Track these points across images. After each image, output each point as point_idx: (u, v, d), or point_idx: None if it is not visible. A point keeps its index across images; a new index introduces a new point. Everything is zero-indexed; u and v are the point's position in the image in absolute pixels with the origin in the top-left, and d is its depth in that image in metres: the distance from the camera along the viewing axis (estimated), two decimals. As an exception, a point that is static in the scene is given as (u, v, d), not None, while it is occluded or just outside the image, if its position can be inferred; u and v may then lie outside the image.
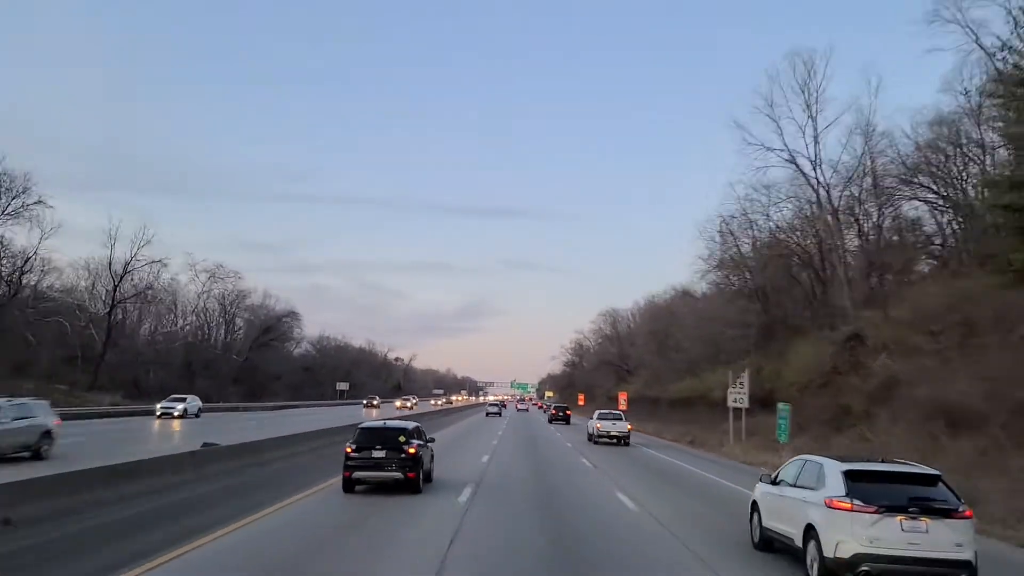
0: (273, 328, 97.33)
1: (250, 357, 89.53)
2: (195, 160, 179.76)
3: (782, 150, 41.58)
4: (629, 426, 38.27)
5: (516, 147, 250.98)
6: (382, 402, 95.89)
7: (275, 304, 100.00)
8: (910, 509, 9.14)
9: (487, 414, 79.72)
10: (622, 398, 65.47)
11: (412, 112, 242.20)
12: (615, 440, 36.96)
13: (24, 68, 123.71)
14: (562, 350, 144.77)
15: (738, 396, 34.89)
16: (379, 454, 15.83)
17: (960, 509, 9.27)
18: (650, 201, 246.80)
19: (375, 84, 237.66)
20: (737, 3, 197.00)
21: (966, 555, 9.06)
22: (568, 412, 67.89)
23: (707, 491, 20.35)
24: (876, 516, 9.09)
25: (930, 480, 9.72)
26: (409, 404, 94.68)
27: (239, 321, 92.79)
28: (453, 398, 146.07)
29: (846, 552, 9.16)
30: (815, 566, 9.64)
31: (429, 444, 18.06)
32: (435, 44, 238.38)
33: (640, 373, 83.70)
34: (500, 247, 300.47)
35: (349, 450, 15.95)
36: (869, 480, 9.67)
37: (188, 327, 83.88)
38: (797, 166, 41.65)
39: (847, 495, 9.41)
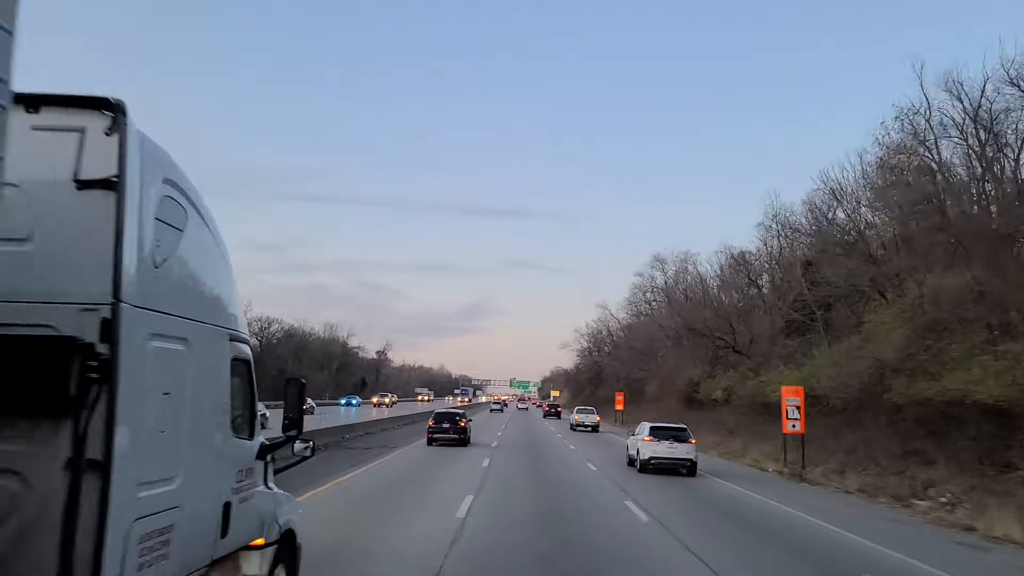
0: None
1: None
2: (195, 160, 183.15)
3: None
4: (598, 418, 52.91)
5: (517, 147, 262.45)
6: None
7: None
8: (670, 439, 23.58)
9: (491, 410, 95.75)
10: (790, 398, 26.58)
11: (413, 112, 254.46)
12: (589, 428, 51.49)
13: (22, 65, 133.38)
14: (576, 335, 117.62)
15: None
16: (446, 425, 30.33)
17: (691, 440, 23.75)
18: (653, 190, 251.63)
19: (376, 84, 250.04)
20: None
21: (692, 457, 23.45)
22: (559, 409, 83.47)
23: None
24: (656, 442, 23.51)
25: (682, 428, 24.24)
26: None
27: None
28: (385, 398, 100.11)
29: (646, 456, 23.56)
30: (637, 464, 24.08)
31: (470, 421, 32.54)
32: (436, 46, 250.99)
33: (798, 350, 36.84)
34: (501, 247, 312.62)
35: (431, 424, 30.45)
36: (659, 429, 24.15)
37: None
38: None
39: (650, 434, 23.91)
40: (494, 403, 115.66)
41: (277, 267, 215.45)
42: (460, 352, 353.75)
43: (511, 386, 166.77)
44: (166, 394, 4.02)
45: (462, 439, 30.42)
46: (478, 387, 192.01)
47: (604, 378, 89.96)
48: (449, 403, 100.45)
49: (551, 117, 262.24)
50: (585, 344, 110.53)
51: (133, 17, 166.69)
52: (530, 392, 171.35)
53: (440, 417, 30.90)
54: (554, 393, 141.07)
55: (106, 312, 3.53)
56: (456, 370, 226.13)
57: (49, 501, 3.38)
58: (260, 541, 5.69)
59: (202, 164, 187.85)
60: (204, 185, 4.81)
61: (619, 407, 56.00)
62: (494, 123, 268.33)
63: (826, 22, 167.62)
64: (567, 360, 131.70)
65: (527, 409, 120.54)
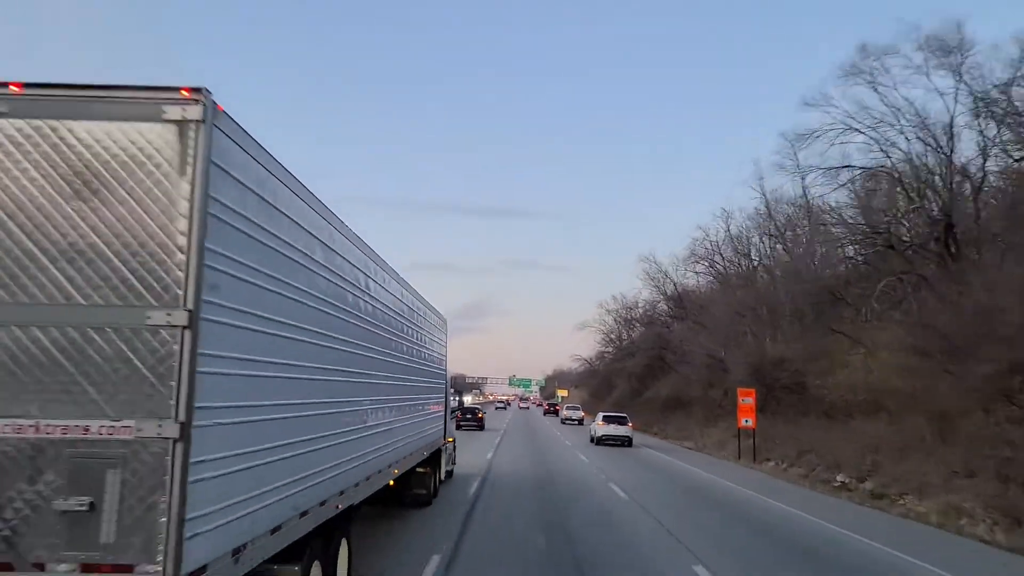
0: None
1: None
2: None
3: None
4: (583, 413, 66.80)
5: (516, 147, 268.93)
6: None
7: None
8: (615, 423, 37.43)
9: (495, 408, 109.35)
10: None
11: (414, 112, 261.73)
12: (575, 422, 65.37)
13: (19, 61, 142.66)
14: (600, 311, 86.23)
15: None
16: (468, 416, 44.17)
17: (629, 423, 37.60)
18: (652, 184, 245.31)
19: (377, 84, 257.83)
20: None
21: (629, 435, 37.30)
22: (556, 407, 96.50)
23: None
24: (604, 424, 37.40)
25: (622, 415, 38.15)
26: None
27: None
28: None
29: (600, 435, 37.39)
30: (595, 440, 37.90)
31: (484, 412, 46.33)
32: (436, 46, 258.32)
33: None
34: (501, 247, 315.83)
35: (458, 415, 44.09)
36: (607, 416, 38.08)
37: None
38: None
39: (602, 420, 37.77)
40: (498, 402, 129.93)
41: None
42: (460, 351, 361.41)
43: (510, 384, 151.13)
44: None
45: (480, 426, 44.16)
46: (474, 385, 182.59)
47: (670, 364, 56.53)
48: None
49: (551, 117, 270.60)
50: (612, 323, 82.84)
51: (127, 8, 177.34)
52: (531, 391, 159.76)
53: (465, 411, 44.60)
54: (561, 393, 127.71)
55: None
56: (453, 369, 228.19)
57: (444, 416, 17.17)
58: (450, 439, 19.39)
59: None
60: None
61: (746, 421, 28.57)
62: (494, 123, 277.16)
63: None
64: (586, 347, 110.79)
65: (528, 408, 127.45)
